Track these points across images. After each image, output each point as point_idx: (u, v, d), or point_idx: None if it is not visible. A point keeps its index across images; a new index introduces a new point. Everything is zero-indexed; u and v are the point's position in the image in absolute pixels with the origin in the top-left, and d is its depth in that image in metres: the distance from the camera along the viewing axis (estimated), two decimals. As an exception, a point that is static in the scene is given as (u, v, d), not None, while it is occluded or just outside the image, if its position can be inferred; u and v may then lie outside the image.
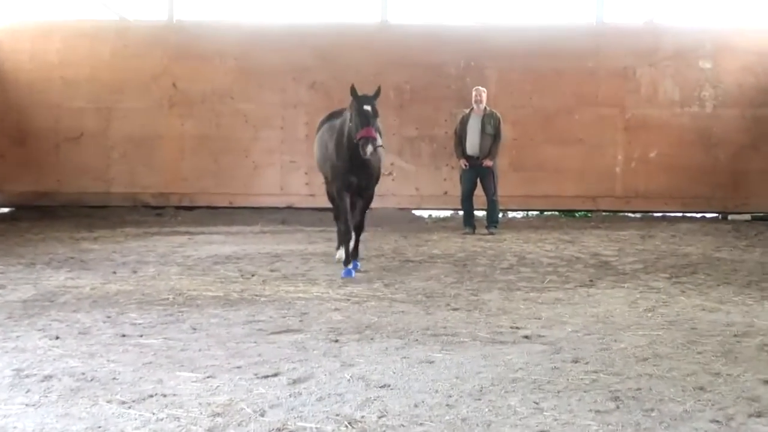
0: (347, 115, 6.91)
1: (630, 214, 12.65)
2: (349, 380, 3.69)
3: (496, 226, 10.46)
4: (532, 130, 12.49)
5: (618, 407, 3.33)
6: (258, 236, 9.98)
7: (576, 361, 4.05)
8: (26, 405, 3.31)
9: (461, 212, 10.98)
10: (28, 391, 3.50)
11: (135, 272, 6.93)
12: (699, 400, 3.42)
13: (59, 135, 12.62)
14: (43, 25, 12.80)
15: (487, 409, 3.29)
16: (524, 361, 4.05)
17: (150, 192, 12.70)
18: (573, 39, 12.50)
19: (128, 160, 12.62)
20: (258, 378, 3.72)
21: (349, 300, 5.69)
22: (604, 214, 12.59)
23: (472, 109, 10.44)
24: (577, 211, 12.86)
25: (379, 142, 6.80)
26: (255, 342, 4.42)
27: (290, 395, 3.46)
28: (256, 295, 5.84)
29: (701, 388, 3.59)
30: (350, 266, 6.88)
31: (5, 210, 12.73)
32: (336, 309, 5.35)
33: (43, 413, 3.22)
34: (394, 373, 3.82)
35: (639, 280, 6.74)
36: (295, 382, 3.66)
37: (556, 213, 12.91)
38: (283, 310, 5.29)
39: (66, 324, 4.85)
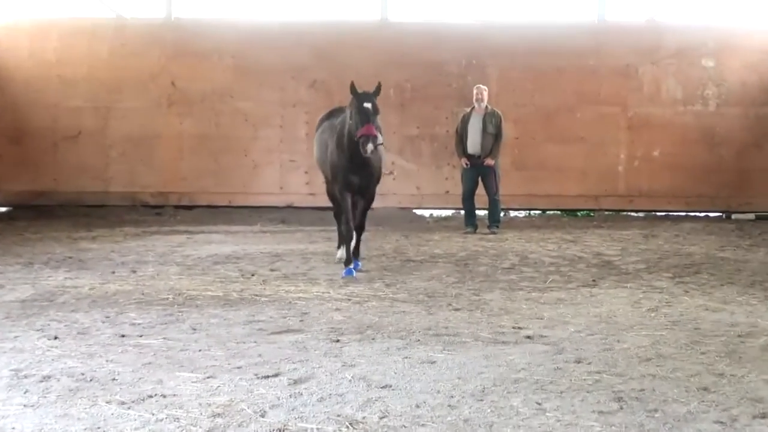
0: (347, 113, 6.87)
1: (633, 214, 12.63)
2: (350, 381, 3.66)
3: (497, 226, 10.42)
4: (534, 129, 12.47)
5: (621, 408, 3.31)
6: (258, 236, 9.96)
7: (579, 362, 4.02)
8: (25, 405, 3.29)
9: (463, 212, 10.96)
10: (26, 391, 3.48)
11: (134, 272, 6.90)
12: (703, 401, 3.40)
13: (57, 134, 12.59)
14: (40, 23, 12.75)
15: (489, 410, 3.27)
16: (526, 361, 4.02)
17: (149, 191, 12.67)
18: (574, 37, 12.46)
19: (127, 159, 12.59)
20: (258, 378, 3.69)
21: (350, 300, 5.66)
22: (606, 213, 12.56)
23: (474, 107, 10.41)
24: (580, 210, 12.84)
25: (380, 140, 6.75)
26: (255, 342, 4.40)
27: (291, 396, 3.44)
28: (257, 295, 5.81)
29: (705, 389, 3.57)
30: (351, 266, 6.84)
31: (2, 209, 12.71)
32: (337, 309, 5.33)
33: (42, 414, 3.19)
34: (396, 373, 3.79)
35: (642, 279, 6.71)
36: (295, 382, 3.64)
37: (559, 212, 12.89)
38: (284, 310, 5.26)
39: (65, 324, 4.82)
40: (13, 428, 3.05)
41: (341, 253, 7.35)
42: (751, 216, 12.36)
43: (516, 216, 12.75)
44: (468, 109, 10.52)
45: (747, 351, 4.28)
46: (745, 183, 12.38)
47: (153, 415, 3.19)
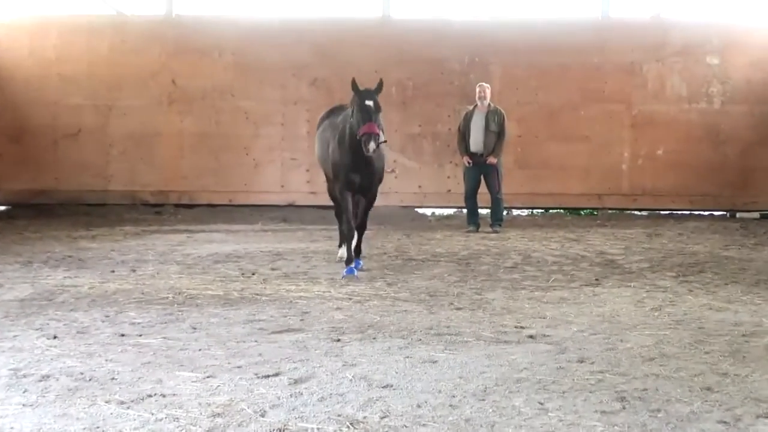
0: (349, 110, 6.82)
1: (636, 212, 12.60)
2: (351, 380, 3.64)
3: (500, 225, 10.39)
4: (537, 127, 12.43)
5: (624, 408, 3.28)
6: (259, 234, 9.94)
7: (581, 361, 3.99)
8: (23, 405, 3.27)
9: (465, 210, 10.92)
10: (25, 391, 3.46)
11: (134, 271, 6.88)
12: (706, 401, 3.37)
13: (57, 132, 12.58)
14: (40, 20, 12.74)
15: (491, 410, 3.24)
16: (529, 361, 3.99)
17: (149, 190, 12.66)
18: (578, 34, 12.43)
19: (127, 158, 12.58)
20: (258, 378, 3.67)
21: (351, 299, 5.64)
22: (610, 212, 12.54)
23: (476, 105, 10.38)
24: (583, 209, 12.81)
25: (382, 138, 6.71)
26: (256, 341, 4.38)
27: (291, 395, 3.41)
28: (257, 294, 5.79)
29: (709, 389, 3.54)
30: (352, 265, 6.80)
31: (2, 208, 12.70)
32: (338, 308, 5.30)
33: (41, 413, 3.17)
34: (397, 373, 3.77)
35: (645, 279, 6.68)
36: (296, 382, 3.61)
37: (562, 211, 12.86)
38: (284, 309, 5.24)
39: (64, 323, 4.80)
40: (12, 428, 3.03)
41: (342, 251, 7.32)
42: (756, 215, 12.32)
43: (519, 215, 12.72)
44: (471, 107, 10.49)
45: (751, 350, 4.25)
46: (749, 181, 12.35)
47: (152, 414, 3.16)
